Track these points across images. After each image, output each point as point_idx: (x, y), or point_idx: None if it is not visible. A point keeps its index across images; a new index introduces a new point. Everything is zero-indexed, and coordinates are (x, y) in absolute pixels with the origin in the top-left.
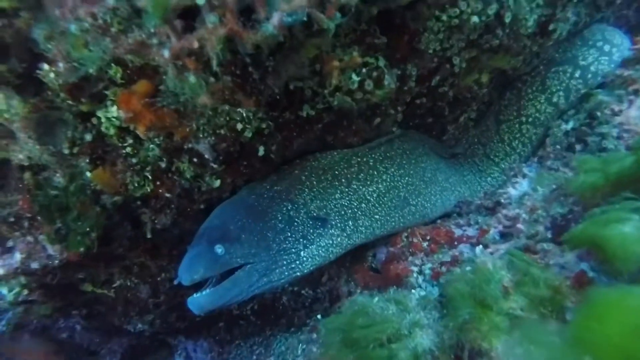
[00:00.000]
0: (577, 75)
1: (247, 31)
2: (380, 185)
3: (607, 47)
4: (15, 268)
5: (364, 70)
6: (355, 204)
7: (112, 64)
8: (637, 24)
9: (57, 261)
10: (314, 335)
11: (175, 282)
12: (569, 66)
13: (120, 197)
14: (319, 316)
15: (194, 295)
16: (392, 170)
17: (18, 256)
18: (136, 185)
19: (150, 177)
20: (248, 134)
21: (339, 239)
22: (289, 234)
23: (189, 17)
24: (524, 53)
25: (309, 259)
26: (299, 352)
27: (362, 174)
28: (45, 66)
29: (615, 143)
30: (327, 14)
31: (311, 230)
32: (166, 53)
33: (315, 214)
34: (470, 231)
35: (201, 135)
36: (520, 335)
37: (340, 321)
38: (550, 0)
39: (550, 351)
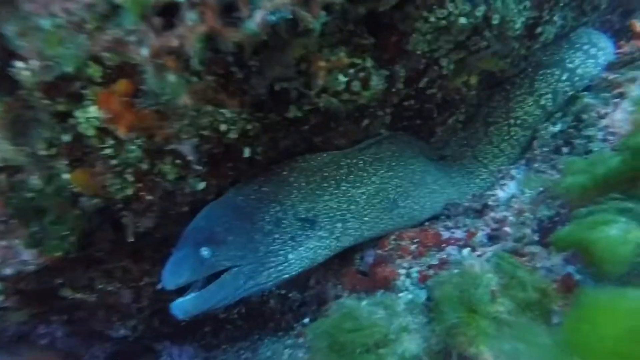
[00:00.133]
0: (564, 77)
1: (228, 29)
2: (369, 187)
3: (593, 51)
4: None
5: (351, 71)
6: (345, 206)
7: (91, 63)
8: (621, 29)
9: (32, 266)
10: (301, 340)
11: (159, 287)
12: (556, 69)
13: (100, 200)
14: (306, 320)
15: (178, 299)
16: (382, 172)
17: None
18: (117, 187)
19: (131, 179)
20: (233, 135)
21: (327, 241)
22: (277, 236)
23: (170, 14)
24: (512, 55)
25: (297, 261)
26: (286, 357)
27: (351, 176)
28: (19, 64)
29: (601, 146)
30: (311, 13)
31: (299, 232)
32: (145, 51)
33: (303, 216)
34: (458, 234)
35: (184, 136)
36: (511, 336)
37: (327, 325)
38: (538, 4)
39: (540, 352)
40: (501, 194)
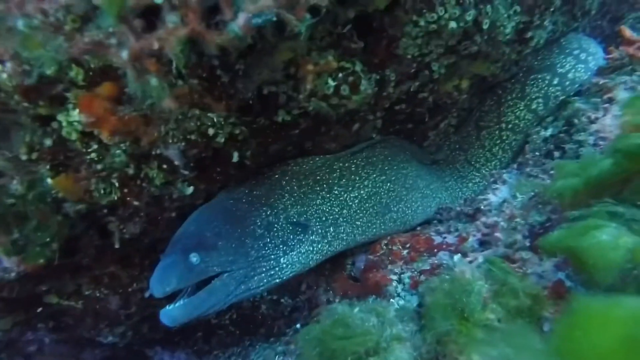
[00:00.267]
0: (555, 82)
1: (211, 32)
2: (362, 191)
3: (583, 56)
4: None
5: (340, 75)
6: (337, 210)
7: (73, 65)
8: (611, 34)
9: (13, 274)
10: (292, 347)
11: (147, 295)
12: (547, 74)
13: (85, 205)
14: (298, 325)
15: (167, 307)
16: (374, 176)
17: None
18: (102, 192)
19: (116, 184)
20: (220, 140)
21: (319, 246)
22: (268, 240)
23: (153, 16)
24: (502, 60)
25: (289, 266)
26: None
27: (344, 180)
28: None
29: (591, 150)
30: (296, 16)
31: (291, 236)
32: (125, 54)
33: (295, 220)
34: (450, 238)
35: (170, 141)
36: (501, 341)
37: (318, 331)
38: (528, 8)
39: (531, 357)
40: (493, 198)
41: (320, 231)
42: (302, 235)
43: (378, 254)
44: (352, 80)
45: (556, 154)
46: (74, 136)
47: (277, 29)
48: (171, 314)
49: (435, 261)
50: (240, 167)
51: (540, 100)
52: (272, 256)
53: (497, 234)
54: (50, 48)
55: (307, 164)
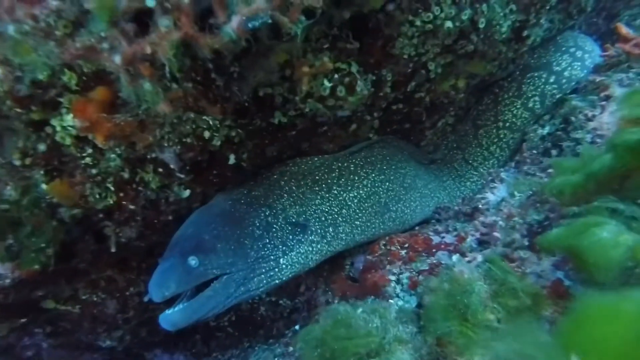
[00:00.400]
0: (551, 80)
1: (204, 36)
2: (361, 191)
3: (579, 53)
4: None
5: (336, 76)
6: (336, 210)
7: (66, 70)
8: (607, 32)
9: (8, 280)
10: (290, 349)
11: (146, 299)
12: (543, 72)
13: (80, 210)
14: (297, 327)
15: (166, 311)
16: (373, 175)
17: None
18: (97, 197)
19: (112, 189)
20: (216, 142)
21: (319, 246)
22: (268, 241)
23: (146, 20)
24: (499, 59)
25: (289, 266)
26: None
27: (342, 179)
28: None
29: (590, 147)
30: (290, 18)
31: (290, 237)
32: (117, 59)
33: (294, 220)
34: (449, 238)
35: (166, 144)
36: (507, 335)
37: (319, 331)
38: (524, 7)
39: (537, 352)
40: (491, 197)
41: (319, 231)
42: (301, 235)
43: (377, 255)
44: (348, 81)
45: (553, 152)
46: (68, 141)
47: (272, 31)
48: (171, 319)
49: (434, 261)
50: (237, 170)
51: (537, 98)
52: (272, 257)
53: (496, 233)
54: (42, 53)
55: (306, 164)
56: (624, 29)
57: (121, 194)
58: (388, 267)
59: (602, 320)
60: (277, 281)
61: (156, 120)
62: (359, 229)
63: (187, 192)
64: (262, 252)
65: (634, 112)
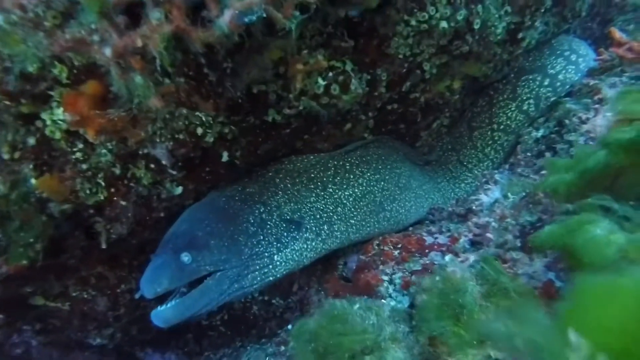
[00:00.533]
0: (546, 83)
1: (196, 29)
2: (356, 190)
3: (573, 57)
4: None
5: (330, 74)
6: (331, 208)
7: (56, 63)
8: (601, 37)
9: None
10: (282, 348)
11: (137, 296)
12: (538, 75)
13: (70, 205)
14: (289, 326)
15: (159, 307)
16: (368, 174)
17: None
18: (88, 192)
19: (103, 184)
20: (209, 139)
21: (313, 244)
22: (262, 238)
23: (137, 12)
24: (494, 60)
25: (283, 263)
26: None
27: (338, 178)
28: None
29: (584, 145)
30: (284, 14)
31: (285, 234)
32: (108, 51)
33: (289, 217)
34: (442, 239)
35: (158, 140)
36: (505, 315)
37: (314, 325)
38: (519, 9)
39: (536, 332)
40: (485, 198)
41: (314, 229)
42: (295, 232)
43: (370, 254)
44: (342, 80)
45: (547, 154)
46: (58, 135)
47: (266, 26)
48: (163, 315)
49: (427, 262)
50: (230, 167)
51: (531, 101)
52: (266, 254)
53: (488, 234)
54: (31, 45)
55: (301, 162)
56: (617, 34)
57: (112, 190)
58: (381, 267)
59: (600, 298)
60: (271, 278)
61: (148, 116)
62: (354, 227)
63: (179, 189)
64: (256, 249)
65: (629, 108)
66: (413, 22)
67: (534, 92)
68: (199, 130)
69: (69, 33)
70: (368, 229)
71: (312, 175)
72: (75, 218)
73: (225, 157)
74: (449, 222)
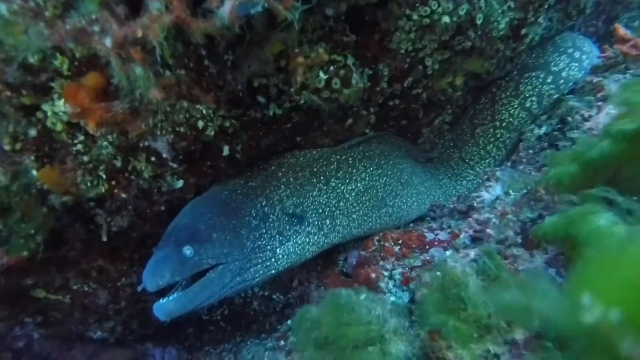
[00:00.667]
0: (549, 80)
1: (196, 20)
2: (359, 184)
3: (577, 54)
4: None
5: (331, 68)
6: (334, 202)
7: (57, 54)
8: (606, 34)
9: None
10: (282, 343)
11: (139, 289)
12: (541, 72)
13: (71, 198)
14: (289, 322)
15: (161, 300)
16: (371, 169)
17: None
18: (88, 184)
19: (104, 177)
20: (210, 132)
21: (316, 237)
22: (264, 231)
23: (138, 2)
24: (497, 57)
25: (285, 257)
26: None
27: (341, 172)
28: None
29: (586, 136)
30: (284, 4)
31: (287, 227)
32: (108, 42)
33: (291, 211)
34: (442, 235)
35: (159, 133)
36: (514, 286)
37: (317, 313)
38: (523, 4)
39: (545, 302)
40: (486, 195)
41: (316, 223)
42: (298, 226)
43: (370, 250)
44: (343, 74)
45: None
46: (59, 127)
47: (267, 18)
48: (165, 308)
49: (427, 257)
50: (231, 161)
51: (534, 98)
52: (268, 247)
53: (489, 230)
54: (33, 35)
55: (304, 156)
56: (622, 30)
57: (113, 183)
58: (381, 262)
59: (610, 262)
60: (273, 271)
61: (149, 108)
62: (356, 222)
63: (180, 183)
64: (259, 242)
65: (633, 98)
66: (415, 17)
67: (536, 90)
68: (200, 124)
69: (70, 23)
70: (370, 223)
71: (315, 169)
72: (76, 210)
73: (226, 151)
74: (449, 219)
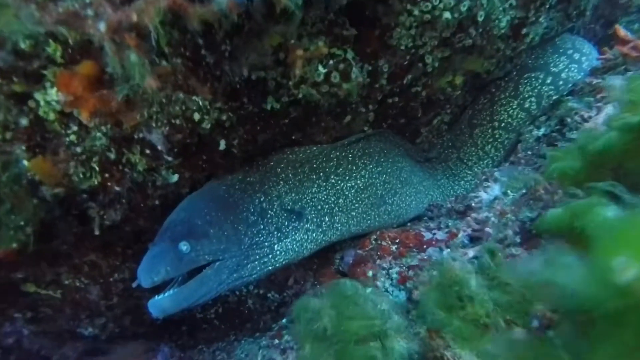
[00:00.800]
0: (548, 81)
1: (193, 5)
2: (358, 181)
3: (576, 56)
4: None
5: (330, 62)
6: (333, 199)
7: (50, 41)
8: (604, 38)
9: None
10: (276, 341)
11: (134, 285)
12: (540, 72)
13: (63, 189)
14: (284, 320)
15: (156, 297)
16: (371, 167)
17: None
18: (81, 176)
19: (97, 169)
20: (206, 125)
21: (314, 234)
22: (262, 227)
23: None
24: (497, 56)
25: (283, 253)
26: (259, 358)
27: (340, 169)
28: None
29: (588, 129)
30: None
31: (286, 223)
32: (102, 26)
33: (290, 207)
34: (440, 235)
35: (154, 125)
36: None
37: (319, 304)
38: (524, 3)
39: (568, 274)
40: (484, 196)
41: (315, 219)
42: (296, 222)
43: (367, 249)
44: (342, 68)
45: None
46: (51, 116)
47: (267, 8)
48: (160, 304)
49: (425, 257)
50: (227, 156)
51: (533, 99)
52: (266, 243)
53: (488, 230)
54: (23, 17)
55: (304, 152)
56: (622, 31)
57: (106, 175)
58: (378, 261)
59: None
60: (270, 268)
61: (144, 99)
62: (355, 219)
63: (175, 177)
64: (257, 239)
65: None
66: (416, 12)
67: (536, 90)
68: (196, 116)
69: (62, 6)
70: (369, 221)
71: (314, 165)
72: (67, 202)
73: (222, 145)
74: (447, 219)
